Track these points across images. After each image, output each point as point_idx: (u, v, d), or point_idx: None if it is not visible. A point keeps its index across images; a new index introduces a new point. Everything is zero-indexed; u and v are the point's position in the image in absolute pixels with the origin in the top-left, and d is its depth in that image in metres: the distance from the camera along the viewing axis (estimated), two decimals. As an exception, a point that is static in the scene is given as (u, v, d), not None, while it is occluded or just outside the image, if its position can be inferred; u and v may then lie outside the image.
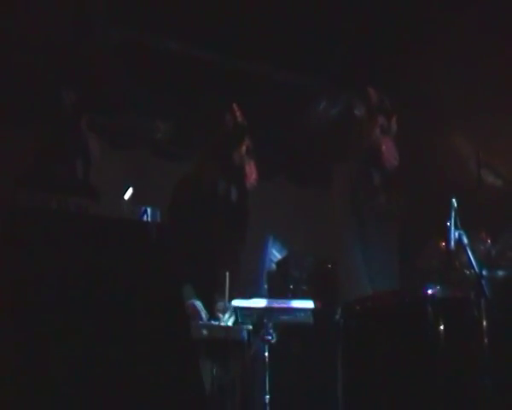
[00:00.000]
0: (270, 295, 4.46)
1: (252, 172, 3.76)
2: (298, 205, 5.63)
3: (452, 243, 2.73)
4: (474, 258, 2.76)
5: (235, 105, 3.74)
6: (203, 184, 3.74)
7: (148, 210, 2.62)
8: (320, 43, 4.76)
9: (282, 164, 5.58)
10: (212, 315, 3.62)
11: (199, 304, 3.60)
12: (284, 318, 3.66)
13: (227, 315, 3.58)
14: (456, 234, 2.75)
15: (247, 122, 3.75)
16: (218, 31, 4.62)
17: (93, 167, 3.64)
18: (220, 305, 3.64)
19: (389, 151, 3.61)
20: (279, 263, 4.92)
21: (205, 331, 3.36)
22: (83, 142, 3.61)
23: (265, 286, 4.83)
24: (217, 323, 3.53)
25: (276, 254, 4.93)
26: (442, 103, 4.43)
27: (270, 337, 3.47)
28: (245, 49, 4.79)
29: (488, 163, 3.67)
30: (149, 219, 2.61)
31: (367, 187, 3.59)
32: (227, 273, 3.52)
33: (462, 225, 2.89)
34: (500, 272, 3.51)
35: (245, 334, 3.46)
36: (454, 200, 2.82)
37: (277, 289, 4.76)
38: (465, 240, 2.75)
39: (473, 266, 2.73)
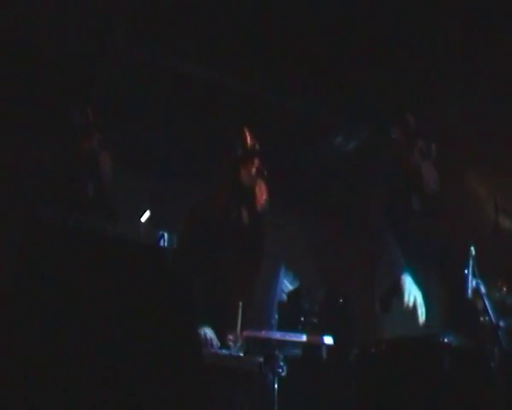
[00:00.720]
0: (280, 327, 4.46)
1: (262, 194, 3.74)
2: (311, 237, 5.64)
3: (470, 291, 2.72)
4: (492, 308, 2.75)
5: (245, 129, 3.74)
6: (214, 209, 3.74)
7: (165, 235, 2.63)
8: (341, 78, 4.80)
9: (298, 195, 5.59)
10: (224, 344, 3.62)
11: (211, 332, 3.61)
12: (296, 351, 3.66)
13: (238, 345, 3.58)
14: (474, 282, 2.74)
15: (261, 146, 3.74)
16: (239, 58, 4.68)
17: (107, 186, 3.64)
18: (232, 334, 3.63)
19: (429, 175, 3.57)
20: (290, 294, 4.90)
21: (216, 360, 3.36)
22: (93, 161, 3.60)
23: (276, 317, 4.82)
24: (228, 352, 3.53)
25: (287, 285, 4.91)
26: (460, 147, 4.45)
27: (280, 370, 3.48)
28: (266, 78, 4.85)
29: (505, 208, 3.66)
30: (166, 244, 2.63)
31: (406, 213, 3.55)
32: (240, 303, 3.52)
33: (479, 271, 2.88)
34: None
35: (256, 365, 3.46)
36: (472, 248, 2.82)
37: (288, 321, 4.74)
38: (483, 289, 2.75)
39: (490, 316, 2.72)
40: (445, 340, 2.62)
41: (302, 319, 4.85)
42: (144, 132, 4.85)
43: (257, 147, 3.74)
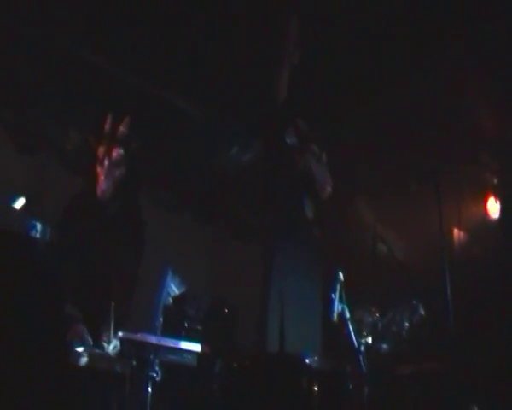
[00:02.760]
0: (163, 330, 4.41)
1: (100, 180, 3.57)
2: (202, 243, 5.62)
3: (335, 315, 2.79)
4: (354, 332, 2.83)
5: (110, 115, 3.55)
6: (85, 200, 3.63)
7: (38, 225, 2.51)
8: (238, 88, 4.82)
9: (192, 200, 5.56)
10: (97, 344, 3.53)
11: (83, 330, 3.51)
12: (171, 357, 3.63)
13: (112, 346, 3.50)
14: (340, 307, 2.81)
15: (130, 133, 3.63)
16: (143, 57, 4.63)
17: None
18: (106, 334, 3.55)
19: (322, 177, 3.63)
20: (176, 299, 4.86)
21: (86, 359, 3.26)
22: None
23: (160, 320, 4.76)
24: (99, 352, 3.44)
25: (174, 289, 4.87)
26: (350, 173, 4.60)
27: (154, 375, 3.44)
28: (163, 78, 4.81)
29: (383, 236, 3.81)
30: (38, 234, 2.51)
31: (299, 221, 3.58)
32: (113, 302, 3.42)
33: (354, 295, 2.97)
34: (384, 345, 3.62)
35: (127, 368, 3.39)
36: (340, 273, 2.89)
37: (172, 325, 4.69)
38: (347, 314, 2.82)
39: (351, 340, 2.81)
40: (306, 360, 2.67)
41: (186, 324, 4.81)
42: (38, 112, 4.65)
43: (123, 135, 3.55)
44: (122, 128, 3.51)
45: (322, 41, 4.22)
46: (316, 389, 2.60)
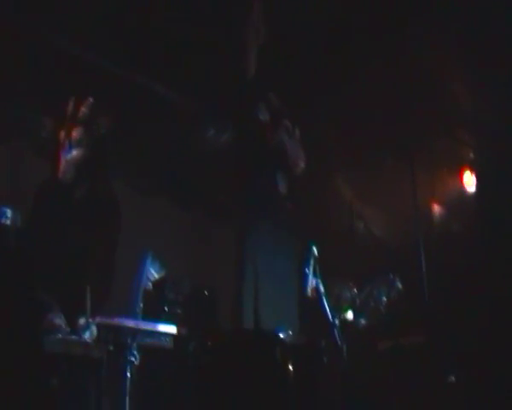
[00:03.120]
0: (143, 315, 4.38)
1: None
2: (180, 227, 5.60)
3: (309, 289, 2.78)
4: (329, 306, 2.83)
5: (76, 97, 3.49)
6: (53, 186, 3.56)
7: (9, 212, 2.47)
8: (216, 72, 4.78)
9: (168, 183, 5.54)
10: (73, 330, 3.49)
11: (59, 317, 3.46)
12: (149, 340, 3.62)
13: (88, 331, 3.46)
14: (314, 282, 2.80)
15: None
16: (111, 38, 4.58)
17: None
18: (82, 320, 3.51)
19: (295, 152, 3.59)
20: (155, 283, 4.83)
21: (62, 346, 3.23)
22: None
23: (141, 305, 4.74)
24: (76, 338, 3.40)
25: (153, 273, 4.85)
26: (329, 151, 4.59)
27: (133, 359, 3.42)
28: (137, 61, 4.78)
29: (360, 213, 3.80)
30: (9, 221, 2.47)
31: (272, 197, 3.54)
32: (88, 286, 3.38)
33: (332, 271, 2.96)
34: (362, 320, 3.63)
35: (104, 352, 3.36)
36: (314, 247, 2.88)
37: (152, 310, 4.67)
38: (321, 288, 2.81)
39: (326, 315, 2.80)
40: (280, 335, 2.66)
41: (166, 308, 4.80)
42: (11, 99, 4.59)
43: (84, 115, 3.47)
44: (83, 109, 3.45)
45: (291, 17, 4.19)
46: (290, 363, 2.61)
